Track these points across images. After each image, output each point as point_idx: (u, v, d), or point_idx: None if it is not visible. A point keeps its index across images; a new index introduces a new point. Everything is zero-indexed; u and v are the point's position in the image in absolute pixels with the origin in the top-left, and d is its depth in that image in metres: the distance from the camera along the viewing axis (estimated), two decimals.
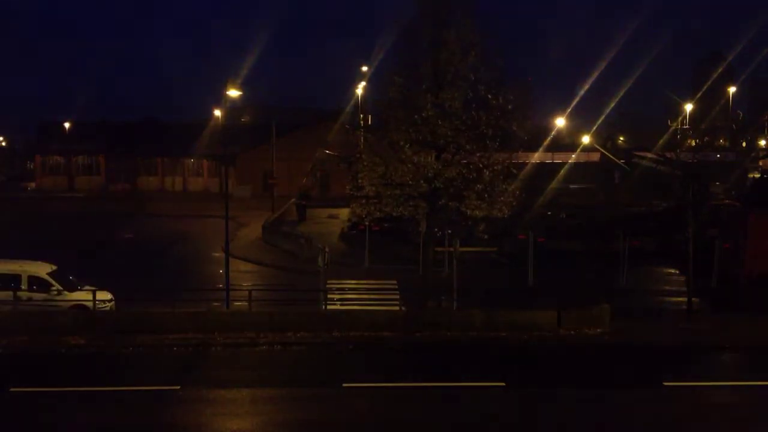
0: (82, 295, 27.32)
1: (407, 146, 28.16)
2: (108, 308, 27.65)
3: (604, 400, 19.93)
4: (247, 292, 28.62)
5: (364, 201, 29.70)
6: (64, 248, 42.92)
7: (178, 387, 20.52)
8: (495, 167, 28.44)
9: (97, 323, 25.84)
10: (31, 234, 49.37)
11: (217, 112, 72.19)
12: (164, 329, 25.46)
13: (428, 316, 26.94)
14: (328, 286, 31.72)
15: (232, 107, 74.90)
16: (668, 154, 41.19)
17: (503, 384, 21.00)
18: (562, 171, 60.74)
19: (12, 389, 20.40)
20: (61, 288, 27.15)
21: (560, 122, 66.09)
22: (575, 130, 74.63)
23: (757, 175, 65.16)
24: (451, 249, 30.12)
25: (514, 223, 38.52)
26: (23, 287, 26.92)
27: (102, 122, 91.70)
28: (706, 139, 37.57)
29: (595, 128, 70.06)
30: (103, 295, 27.71)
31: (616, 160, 57.64)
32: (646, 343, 25.29)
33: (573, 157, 71.73)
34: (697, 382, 21.52)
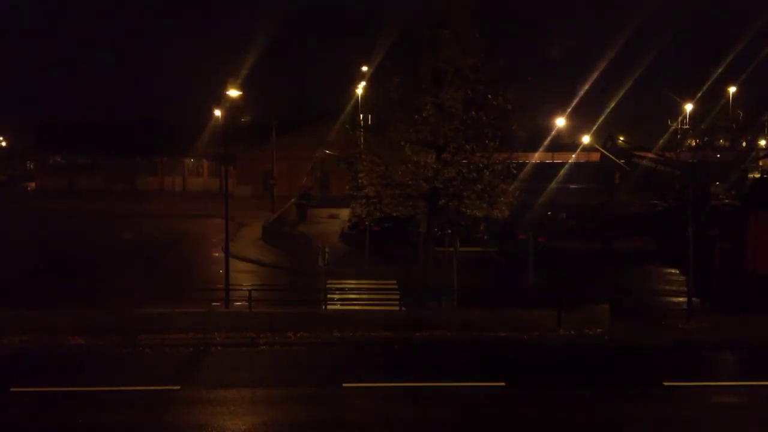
0: None
1: (407, 146, 28.19)
2: None
3: (604, 400, 19.92)
4: (247, 292, 28.61)
5: (364, 201, 29.72)
6: (63, 249, 42.93)
7: (178, 387, 20.52)
8: (495, 167, 28.48)
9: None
10: (26, 235, 49.39)
11: (217, 112, 72.21)
12: (164, 329, 25.45)
13: (428, 316, 26.92)
14: (328, 286, 31.77)
15: (232, 107, 74.75)
16: (668, 154, 41.26)
17: (503, 384, 21.00)
18: (562, 171, 60.79)
19: (12, 389, 20.40)
20: None
21: (560, 122, 66.05)
22: (575, 130, 74.64)
23: (757, 175, 65.18)
24: (451, 249, 30.12)
25: (514, 223, 38.54)
26: None
27: (102, 122, 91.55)
28: (706, 139, 37.53)
29: (595, 128, 70.03)
30: None
31: (616, 160, 57.63)
32: (646, 343, 25.28)
33: (573, 157, 71.81)
34: (698, 382, 21.52)
